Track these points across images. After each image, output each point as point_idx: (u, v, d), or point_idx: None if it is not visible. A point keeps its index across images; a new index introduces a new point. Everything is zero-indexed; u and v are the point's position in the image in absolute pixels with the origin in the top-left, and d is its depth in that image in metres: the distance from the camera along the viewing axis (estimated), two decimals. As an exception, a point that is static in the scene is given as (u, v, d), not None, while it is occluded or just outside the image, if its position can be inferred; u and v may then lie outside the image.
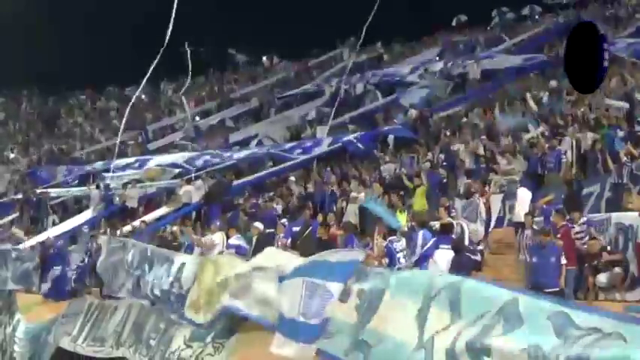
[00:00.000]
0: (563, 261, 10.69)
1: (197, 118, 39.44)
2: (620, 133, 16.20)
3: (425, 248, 10.43)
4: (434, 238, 11.30)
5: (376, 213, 11.24)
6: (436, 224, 12.51)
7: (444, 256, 10.30)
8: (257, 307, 9.01)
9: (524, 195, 14.01)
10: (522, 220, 12.90)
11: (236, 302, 9.31)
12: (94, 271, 14.34)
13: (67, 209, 25.93)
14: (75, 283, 14.60)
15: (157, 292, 11.33)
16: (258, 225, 15.38)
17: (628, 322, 5.23)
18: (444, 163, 19.05)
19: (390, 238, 12.12)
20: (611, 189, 13.94)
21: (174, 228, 18.59)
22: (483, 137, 20.07)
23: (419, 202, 16.06)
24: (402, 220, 13.78)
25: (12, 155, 41.47)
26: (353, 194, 17.03)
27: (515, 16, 39.28)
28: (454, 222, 12.58)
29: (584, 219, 12.19)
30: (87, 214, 23.64)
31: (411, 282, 7.31)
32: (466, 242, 12.14)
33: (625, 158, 14.32)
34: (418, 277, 7.48)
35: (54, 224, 23.94)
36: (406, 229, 11.77)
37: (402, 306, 7.03)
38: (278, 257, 9.50)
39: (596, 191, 14.18)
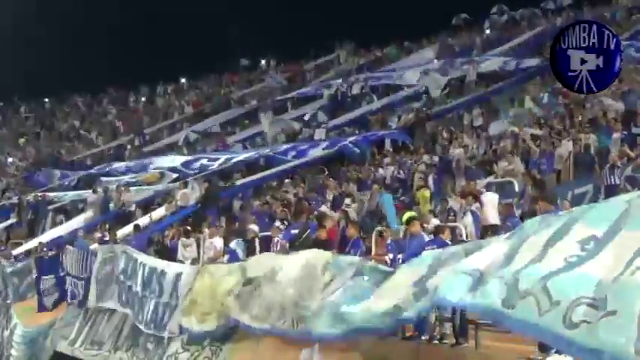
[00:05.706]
0: None
1: (194, 121, 39.43)
2: (615, 135, 16.21)
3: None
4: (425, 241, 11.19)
5: (385, 208, 11.12)
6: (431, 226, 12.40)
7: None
8: (265, 318, 8.80)
9: (492, 198, 14.12)
10: (490, 222, 13.40)
11: (244, 317, 9.11)
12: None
13: (65, 213, 25.86)
14: (82, 304, 13.48)
15: (147, 308, 11.08)
16: (255, 228, 15.32)
17: None
18: (441, 166, 19.03)
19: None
20: (605, 191, 13.95)
21: (171, 231, 18.50)
22: (480, 139, 20.07)
23: (424, 206, 15.95)
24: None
25: (9, 159, 41.42)
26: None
27: (513, 19, 39.29)
28: (442, 225, 12.45)
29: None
30: (84, 218, 23.58)
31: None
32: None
33: (618, 160, 14.28)
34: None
35: (51, 228, 23.87)
36: (401, 235, 11.74)
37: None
38: (278, 260, 9.40)
39: (590, 192, 14.17)
